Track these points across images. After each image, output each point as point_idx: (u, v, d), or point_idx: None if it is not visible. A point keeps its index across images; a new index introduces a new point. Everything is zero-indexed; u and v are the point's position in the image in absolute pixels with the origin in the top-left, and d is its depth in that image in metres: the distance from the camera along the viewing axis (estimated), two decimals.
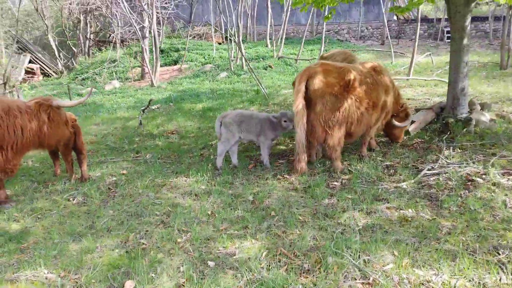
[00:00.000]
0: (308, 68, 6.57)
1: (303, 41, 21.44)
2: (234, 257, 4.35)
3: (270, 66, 20.15)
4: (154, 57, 20.11)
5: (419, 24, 15.12)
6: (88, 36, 28.56)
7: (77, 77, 23.28)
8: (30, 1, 26.54)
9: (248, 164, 7.52)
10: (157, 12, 21.03)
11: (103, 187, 6.62)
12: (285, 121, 6.94)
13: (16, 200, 6.29)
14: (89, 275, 4.12)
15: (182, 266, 4.22)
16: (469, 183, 5.92)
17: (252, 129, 7.22)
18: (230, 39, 20.82)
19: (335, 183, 6.35)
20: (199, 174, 6.93)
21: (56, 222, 5.42)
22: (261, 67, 20.32)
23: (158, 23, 26.43)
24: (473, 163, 6.51)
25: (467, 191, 5.65)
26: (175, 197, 6.12)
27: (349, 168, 6.82)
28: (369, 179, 6.37)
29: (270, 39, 24.52)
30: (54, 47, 27.09)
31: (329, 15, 10.44)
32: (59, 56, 27.37)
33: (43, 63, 28.94)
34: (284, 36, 22.96)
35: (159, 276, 4.06)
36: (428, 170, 6.46)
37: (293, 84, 6.58)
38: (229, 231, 4.97)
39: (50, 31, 27.22)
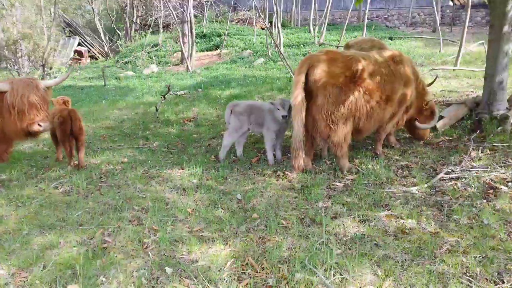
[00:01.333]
0: (311, 56, 5.95)
1: (345, 27, 20.39)
2: (196, 264, 3.92)
3: (309, 53, 19.38)
4: (190, 42, 19.88)
5: (469, 9, 13.82)
6: (134, 20, 28.82)
7: (118, 61, 23.54)
8: None
9: (254, 156, 7.04)
10: None
11: (95, 176, 6.38)
12: (278, 110, 6.33)
13: (7, 185, 6.16)
14: (37, 274, 3.83)
15: (138, 271, 3.84)
16: (491, 191, 5.15)
17: (261, 121, 6.72)
18: (270, 24, 20.19)
19: (337, 183, 5.75)
20: (196, 166, 6.53)
21: (33, 212, 5.20)
22: (300, 53, 19.60)
23: (198, 6, 26.20)
24: (501, 167, 5.70)
25: (485, 201, 4.90)
26: (163, 190, 5.76)
27: (358, 167, 6.19)
28: (377, 180, 5.72)
29: (313, 24, 23.58)
30: (100, 30, 27.55)
31: None
32: (105, 39, 27.81)
33: (91, 46, 29.59)
34: (326, 22, 22.01)
35: (108, 282, 3.70)
36: (446, 173, 5.73)
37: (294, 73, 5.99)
38: (202, 232, 4.54)
39: (97, 14, 27.66)
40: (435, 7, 19.04)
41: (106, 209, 5.22)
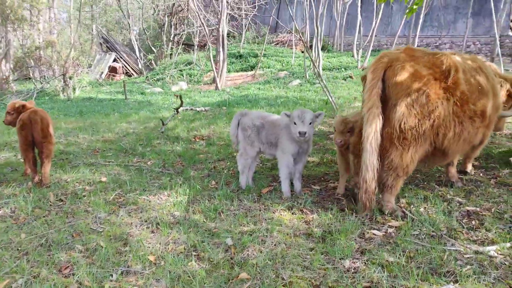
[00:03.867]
0: (387, 53, 4.39)
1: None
2: None
3: (350, 77, 17.72)
4: (221, 59, 18.62)
5: None
6: (171, 38, 28.12)
7: (147, 77, 22.64)
8: (117, 0, 26.59)
9: (266, 186, 5.40)
10: (234, 13, 19.62)
11: (54, 198, 4.88)
12: (294, 124, 4.67)
13: None
14: None
15: None
16: None
17: (274, 140, 5.10)
18: (310, 46, 18.75)
19: (375, 232, 3.99)
20: (185, 193, 4.94)
21: None
22: (340, 77, 17.96)
23: (238, 27, 25.25)
24: None
25: None
26: (130, 224, 4.18)
27: (405, 210, 4.42)
28: (433, 232, 3.93)
29: (357, 49, 21.99)
30: (135, 47, 26.91)
31: (413, 8, 7.57)
32: (140, 56, 27.14)
33: (127, 63, 29.05)
34: (372, 45, 20.35)
35: None
36: None
37: (363, 78, 4.55)
38: None
39: (133, 30, 27.12)
40: (497, 34, 16.98)
41: (38, 246, 3.67)
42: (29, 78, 16.48)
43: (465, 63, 4.46)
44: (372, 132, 4.09)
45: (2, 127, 9.98)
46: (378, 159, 4.12)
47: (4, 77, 16.93)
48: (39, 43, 16.52)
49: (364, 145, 4.12)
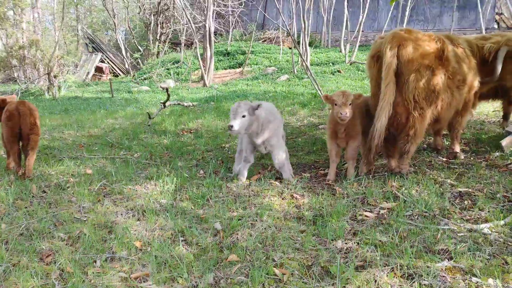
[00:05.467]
0: (395, 34, 4.78)
1: None
2: None
3: (338, 71, 17.69)
4: (208, 56, 18.46)
5: None
6: (158, 38, 27.88)
7: (134, 75, 22.42)
8: (102, 0, 26.28)
9: (255, 173, 5.30)
10: (221, 9, 19.49)
11: (37, 189, 4.73)
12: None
13: None
14: None
15: None
16: None
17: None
18: (298, 42, 18.67)
19: (367, 213, 3.91)
20: (172, 181, 4.82)
21: None
22: (329, 71, 17.92)
23: (224, 24, 25.13)
24: None
25: None
26: (115, 212, 4.05)
27: (397, 192, 4.35)
28: (426, 212, 3.86)
29: (345, 44, 21.95)
30: (122, 46, 26.62)
31: None
32: (126, 56, 26.87)
33: (113, 63, 28.75)
34: (359, 40, 20.34)
35: None
36: None
37: (373, 57, 4.98)
38: (142, 283, 2.78)
39: (119, 31, 26.85)
40: (483, 27, 17.05)
41: (19, 235, 3.53)
42: (14, 80, 16.14)
43: (449, 41, 4.99)
44: (388, 105, 4.62)
45: None
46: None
47: None
48: (23, 42, 16.20)
49: (379, 116, 4.62)
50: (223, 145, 7.06)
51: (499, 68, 5.31)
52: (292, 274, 2.85)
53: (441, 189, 4.45)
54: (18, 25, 17.10)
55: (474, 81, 5.25)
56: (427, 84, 4.68)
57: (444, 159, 5.56)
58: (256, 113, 4.62)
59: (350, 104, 4.69)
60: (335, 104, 4.72)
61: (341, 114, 4.63)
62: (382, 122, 4.62)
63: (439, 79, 4.71)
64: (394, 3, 7.00)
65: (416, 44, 4.68)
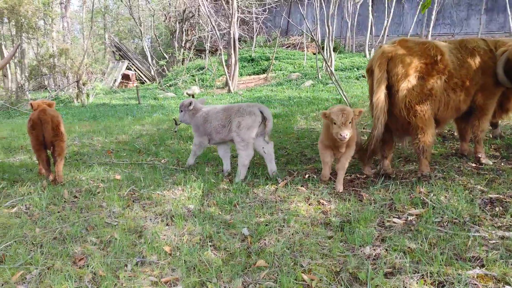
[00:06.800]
0: (384, 49, 5.05)
1: None
2: None
3: (363, 76, 17.59)
4: (233, 62, 18.59)
5: None
6: (183, 44, 28.24)
7: (160, 82, 22.74)
8: (129, 9, 26.81)
9: (282, 179, 5.31)
10: (245, 16, 19.62)
11: (69, 195, 4.85)
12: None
13: None
14: None
15: None
16: None
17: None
18: (322, 47, 18.65)
19: (395, 220, 3.88)
20: (199, 187, 4.88)
21: None
22: (353, 77, 17.82)
23: (249, 31, 25.26)
24: None
25: None
26: (144, 217, 4.13)
27: (425, 198, 4.29)
28: (456, 219, 3.80)
29: (369, 49, 21.82)
30: (148, 54, 27.07)
31: (428, 1, 7.45)
32: (152, 63, 27.30)
33: (139, 70, 29.26)
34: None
35: None
36: None
37: (368, 71, 5.30)
38: (172, 287, 2.83)
39: (146, 38, 27.31)
40: None
41: (52, 239, 3.64)
42: (45, 87, 16.62)
43: (449, 46, 5.22)
44: (382, 114, 4.92)
45: (17, 131, 10.08)
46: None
47: (20, 85, 17.16)
48: (53, 51, 16.69)
49: (376, 125, 4.95)
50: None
51: (500, 73, 5.21)
52: (320, 280, 2.86)
53: (470, 195, 4.37)
54: (48, 35, 17.65)
55: (485, 84, 5.27)
56: (420, 90, 4.93)
57: (474, 165, 5.46)
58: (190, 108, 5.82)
59: (350, 123, 4.40)
60: (334, 123, 4.42)
61: (341, 135, 4.34)
62: (379, 130, 4.95)
63: (432, 84, 4.95)
64: (425, 10, 6.97)
65: (405, 57, 4.96)
